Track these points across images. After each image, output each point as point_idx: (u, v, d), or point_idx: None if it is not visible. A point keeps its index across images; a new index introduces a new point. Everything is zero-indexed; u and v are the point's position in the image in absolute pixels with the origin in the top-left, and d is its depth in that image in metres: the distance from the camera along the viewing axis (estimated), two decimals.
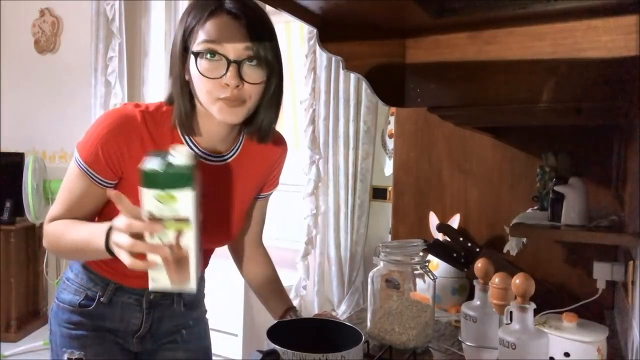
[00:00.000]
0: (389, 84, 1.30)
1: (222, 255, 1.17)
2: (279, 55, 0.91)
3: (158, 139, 0.92)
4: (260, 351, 0.80)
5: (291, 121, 3.00)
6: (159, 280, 0.77)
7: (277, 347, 0.80)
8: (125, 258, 0.75)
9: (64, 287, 1.06)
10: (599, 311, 1.30)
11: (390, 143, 2.39)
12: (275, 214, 2.45)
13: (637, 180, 0.97)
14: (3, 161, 3.33)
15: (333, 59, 2.42)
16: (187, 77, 0.90)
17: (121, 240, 0.75)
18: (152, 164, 0.73)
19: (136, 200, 0.74)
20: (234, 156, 1.00)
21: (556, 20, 1.09)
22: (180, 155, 0.74)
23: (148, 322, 1.06)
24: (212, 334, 1.21)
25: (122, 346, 1.06)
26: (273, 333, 0.86)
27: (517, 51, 1.16)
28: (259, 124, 0.95)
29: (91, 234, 0.86)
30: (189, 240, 0.76)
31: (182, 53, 0.88)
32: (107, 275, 1.02)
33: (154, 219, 0.74)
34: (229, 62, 0.84)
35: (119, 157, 0.91)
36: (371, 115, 2.48)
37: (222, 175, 1.00)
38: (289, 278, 2.78)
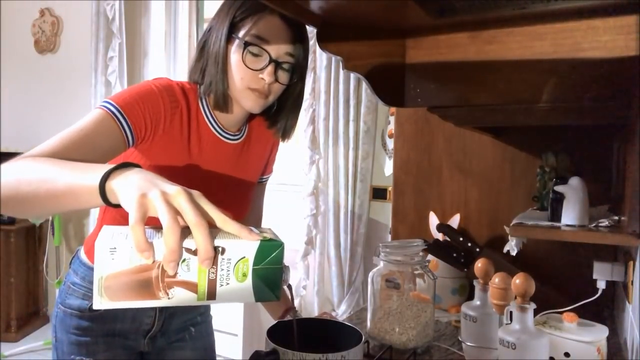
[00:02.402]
0: (389, 84, 1.30)
1: None
2: (307, 65, 1.01)
3: (187, 115, 0.96)
4: (260, 351, 0.80)
5: None
6: (112, 259, 0.55)
7: (277, 347, 0.80)
8: (137, 214, 0.54)
9: (70, 292, 1.03)
10: (599, 311, 1.30)
11: (390, 143, 2.38)
12: (275, 214, 2.44)
13: (637, 180, 0.97)
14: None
15: (333, 59, 2.42)
16: None
17: (161, 206, 0.54)
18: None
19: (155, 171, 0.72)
20: (243, 138, 1.07)
21: (556, 20, 1.09)
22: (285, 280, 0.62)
23: (160, 320, 1.05)
24: None
25: (131, 350, 1.05)
26: (273, 333, 0.86)
27: (517, 51, 1.16)
28: (285, 123, 1.05)
29: (83, 164, 0.67)
30: (179, 300, 0.58)
31: (227, 39, 0.94)
32: None
33: (215, 253, 0.56)
34: (271, 61, 0.92)
35: (158, 116, 0.90)
36: (371, 115, 2.48)
37: (238, 153, 1.07)
38: None
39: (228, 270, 0.57)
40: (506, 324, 0.88)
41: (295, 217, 2.69)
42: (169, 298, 0.57)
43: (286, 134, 1.07)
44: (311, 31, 1.05)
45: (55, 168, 0.67)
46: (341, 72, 2.44)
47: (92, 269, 1.00)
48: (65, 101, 3.44)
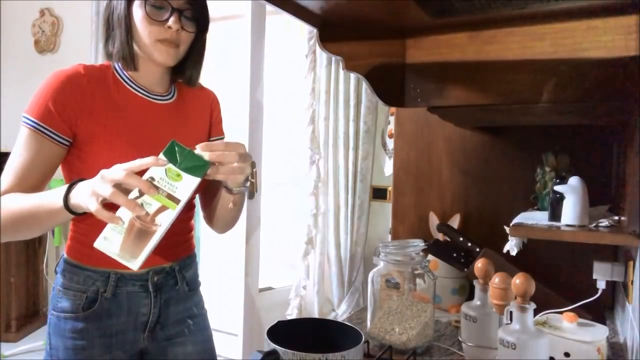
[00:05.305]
0: (389, 84, 1.30)
1: (222, 255, 1.17)
2: (208, 15, 1.06)
3: (106, 89, 1.01)
4: (260, 351, 0.80)
5: (291, 121, 3.00)
6: (111, 241, 0.80)
7: (277, 347, 0.81)
8: (93, 203, 0.79)
9: (61, 295, 1.02)
10: (599, 311, 1.30)
11: (390, 143, 2.38)
12: (275, 213, 2.44)
13: (637, 180, 0.97)
14: (3, 161, 3.33)
15: (333, 59, 2.42)
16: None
17: (101, 188, 0.79)
18: (180, 145, 0.83)
19: (93, 161, 0.85)
20: (174, 98, 1.11)
21: (556, 20, 1.09)
22: (202, 153, 0.84)
23: (156, 308, 1.04)
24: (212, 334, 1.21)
25: (130, 350, 1.04)
26: (273, 333, 0.86)
27: (517, 51, 1.16)
28: (190, 71, 1.10)
29: (48, 193, 0.89)
30: (166, 220, 0.80)
31: (128, 2, 1.00)
32: (105, 266, 0.99)
33: (151, 183, 0.80)
34: (173, 10, 0.98)
35: (73, 109, 0.96)
36: (371, 115, 2.48)
37: (173, 114, 1.09)
38: (289, 278, 2.78)
39: (168, 182, 0.81)
40: (506, 324, 0.88)
41: (295, 216, 2.69)
42: (160, 225, 0.80)
43: (192, 81, 1.12)
44: (311, 31, 1.05)
45: (34, 203, 0.90)
46: (341, 72, 2.44)
47: (79, 266, 1.01)
48: None
